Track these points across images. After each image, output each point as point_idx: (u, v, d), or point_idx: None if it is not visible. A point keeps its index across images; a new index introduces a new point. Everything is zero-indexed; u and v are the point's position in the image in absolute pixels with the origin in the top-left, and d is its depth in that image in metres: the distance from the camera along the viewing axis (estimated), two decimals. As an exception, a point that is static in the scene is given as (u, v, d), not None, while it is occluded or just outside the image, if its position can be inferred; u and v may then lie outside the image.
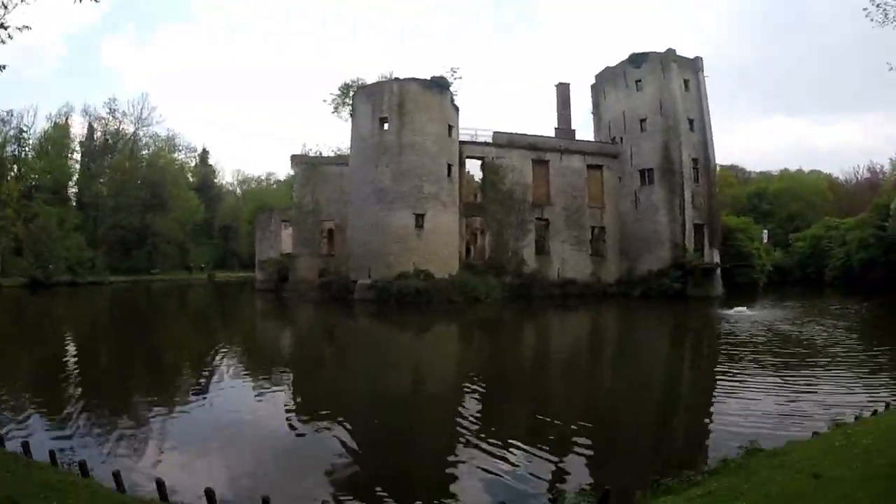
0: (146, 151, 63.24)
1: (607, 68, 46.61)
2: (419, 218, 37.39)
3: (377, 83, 40.30)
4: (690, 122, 42.48)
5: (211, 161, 75.12)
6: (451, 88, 40.22)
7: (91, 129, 60.19)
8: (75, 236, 50.43)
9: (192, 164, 72.48)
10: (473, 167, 44.50)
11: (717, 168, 45.21)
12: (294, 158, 49.47)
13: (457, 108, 40.59)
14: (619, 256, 43.94)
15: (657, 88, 42.59)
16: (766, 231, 64.05)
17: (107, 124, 59.89)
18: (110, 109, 58.75)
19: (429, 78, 38.74)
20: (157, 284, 54.09)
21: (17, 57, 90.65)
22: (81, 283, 48.71)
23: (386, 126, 37.87)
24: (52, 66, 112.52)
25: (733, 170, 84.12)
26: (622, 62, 44.88)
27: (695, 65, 43.54)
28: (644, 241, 42.39)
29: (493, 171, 42.62)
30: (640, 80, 43.63)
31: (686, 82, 42.93)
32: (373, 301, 35.28)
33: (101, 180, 58.26)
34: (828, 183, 67.19)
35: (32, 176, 53.26)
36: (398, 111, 37.54)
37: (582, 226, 43.88)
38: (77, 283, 48.22)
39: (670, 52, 43.10)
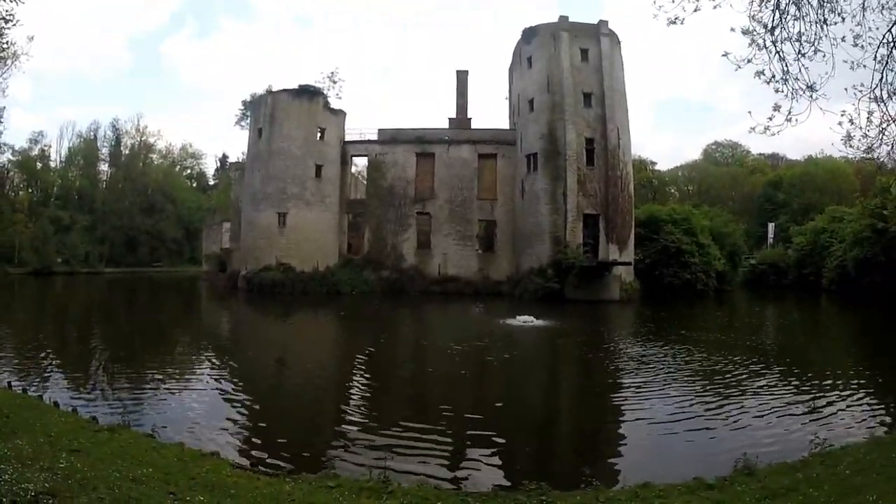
0: (154, 157, 71.15)
1: (515, 49, 42.03)
2: (282, 216, 38.63)
3: (259, 97, 41.98)
4: (587, 96, 36.16)
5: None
6: (336, 90, 41.99)
7: (118, 141, 69.04)
8: (74, 235, 58.08)
9: (198, 168, 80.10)
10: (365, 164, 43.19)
11: (627, 147, 37.76)
12: (231, 165, 52.53)
13: (335, 111, 40.84)
14: (511, 252, 38.84)
15: (546, 63, 37.15)
16: (771, 225, 52.94)
17: (119, 137, 68.61)
18: (114, 128, 67.08)
19: (297, 87, 39.74)
20: (148, 276, 59.15)
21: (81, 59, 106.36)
22: (79, 272, 55.62)
23: (261, 135, 39.50)
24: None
25: (773, 158, 70.59)
26: (519, 40, 40.20)
27: (597, 30, 37.35)
28: (528, 236, 36.68)
29: (376, 168, 40.96)
30: (531, 57, 38.58)
31: (585, 52, 36.88)
32: (246, 290, 37.49)
33: (107, 187, 66.36)
34: (854, 167, 51.96)
35: (55, 185, 63.45)
36: (270, 121, 39.26)
37: (468, 220, 39.43)
38: (73, 272, 55.29)
39: (563, 20, 37.45)
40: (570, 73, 36.05)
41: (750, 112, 6.93)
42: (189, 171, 79.46)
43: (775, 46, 6.53)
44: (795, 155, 68.88)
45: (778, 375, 13.30)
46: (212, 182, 78.23)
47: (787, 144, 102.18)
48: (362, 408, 10.80)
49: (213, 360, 15.25)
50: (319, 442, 8.59)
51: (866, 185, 47.13)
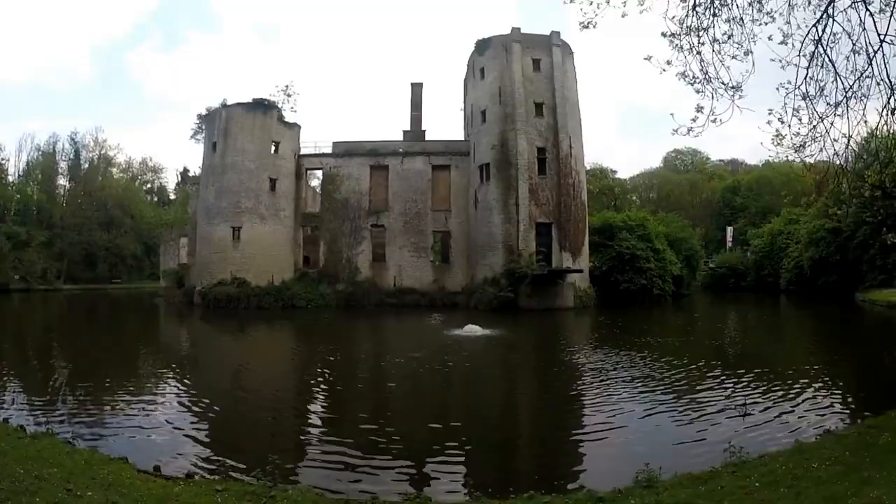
0: (114, 170, 69.49)
1: (468, 61, 41.99)
2: (236, 231, 38.00)
3: (213, 111, 41.26)
4: (538, 105, 36.14)
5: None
6: (291, 104, 41.29)
7: (77, 155, 67.28)
8: (31, 251, 56.33)
9: (158, 182, 78.72)
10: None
11: (580, 156, 37.84)
12: (189, 179, 51.53)
13: (289, 125, 40.39)
14: (467, 263, 38.54)
15: (498, 74, 37.11)
16: (730, 229, 53.67)
17: (78, 151, 66.92)
18: (73, 141, 65.38)
19: (251, 101, 39.19)
20: (107, 292, 57.38)
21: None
22: (35, 289, 53.92)
23: (216, 149, 38.78)
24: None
25: (732, 164, 71.72)
26: (472, 52, 40.18)
27: (549, 41, 37.47)
28: (482, 246, 36.36)
29: (330, 181, 40.54)
30: (483, 68, 38.54)
31: (537, 62, 36.94)
32: (201, 306, 36.77)
33: (65, 202, 64.70)
34: (805, 168, 52.79)
35: (13, 200, 61.59)
36: (224, 135, 38.60)
37: (422, 231, 39.11)
38: (30, 289, 53.54)
39: (515, 31, 37.47)
40: (522, 84, 36.08)
41: (672, 114, 6.89)
42: (149, 185, 78.08)
43: (697, 49, 6.48)
44: (754, 160, 70.38)
45: (725, 377, 13.11)
46: (172, 196, 76.55)
47: (747, 150, 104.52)
48: (306, 420, 10.90)
49: (161, 377, 15.01)
50: (253, 452, 8.53)
51: (822, 186, 47.86)
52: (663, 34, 6.49)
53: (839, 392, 11.60)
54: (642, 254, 37.37)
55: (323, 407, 11.95)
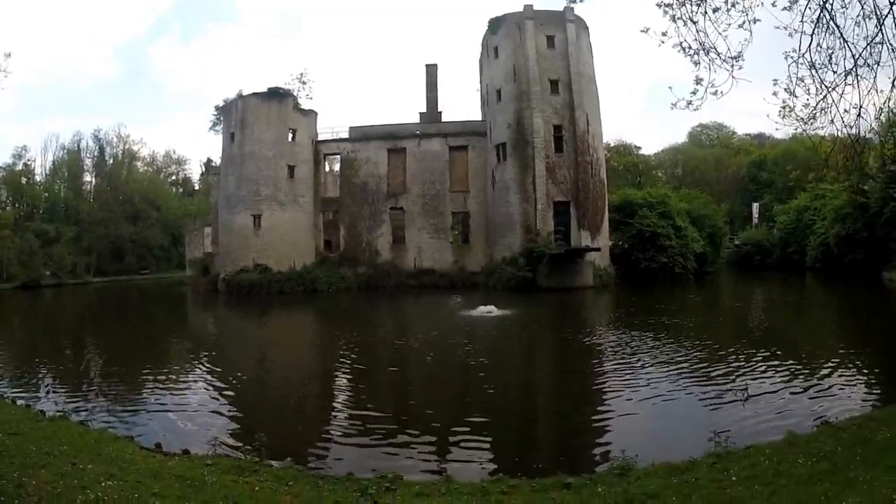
0: (139, 164, 71.57)
1: (482, 40, 41.79)
2: (256, 218, 38.88)
3: (230, 102, 41.94)
4: (553, 83, 35.89)
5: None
6: (307, 91, 42.60)
7: (102, 151, 69.45)
8: (60, 247, 58.48)
9: (182, 174, 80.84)
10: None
11: (598, 133, 37.43)
12: (211, 169, 52.66)
13: (305, 112, 40.98)
14: (486, 243, 38.72)
15: (511, 52, 36.92)
16: (755, 205, 52.58)
17: (102, 147, 69.14)
18: (97, 138, 67.51)
19: (266, 90, 39.75)
20: (135, 284, 59.18)
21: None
22: (66, 284, 55.95)
23: (234, 139, 39.64)
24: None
25: (759, 138, 69.85)
26: (486, 31, 39.96)
27: (562, 17, 37.05)
28: (500, 226, 36.52)
29: (349, 166, 41.05)
30: (497, 47, 38.35)
31: (551, 38, 36.60)
32: (226, 293, 37.60)
33: (92, 197, 66.83)
34: (833, 141, 50.99)
35: (41, 199, 63.95)
36: (241, 125, 39.40)
37: (441, 213, 39.34)
38: (61, 284, 55.65)
39: (527, 8, 37.14)
40: (536, 61, 35.84)
41: (671, 87, 6.76)
42: (174, 176, 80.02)
43: (692, 19, 6.18)
44: (781, 134, 68.37)
45: (737, 359, 12.70)
46: (197, 187, 78.49)
47: (773, 123, 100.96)
48: (329, 402, 11.28)
49: (185, 360, 15.86)
50: (275, 434, 8.90)
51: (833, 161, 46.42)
52: (658, 4, 6.31)
53: (855, 380, 10.86)
54: (663, 231, 36.94)
55: (342, 389, 12.33)
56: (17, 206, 61.42)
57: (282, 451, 7.66)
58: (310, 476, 6.59)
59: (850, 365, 11.95)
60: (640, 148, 67.66)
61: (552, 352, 15.89)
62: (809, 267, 42.11)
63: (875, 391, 10.17)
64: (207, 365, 14.60)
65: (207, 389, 11.78)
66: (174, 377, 13.34)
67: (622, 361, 13.10)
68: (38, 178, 65.48)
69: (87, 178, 68.03)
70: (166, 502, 4.86)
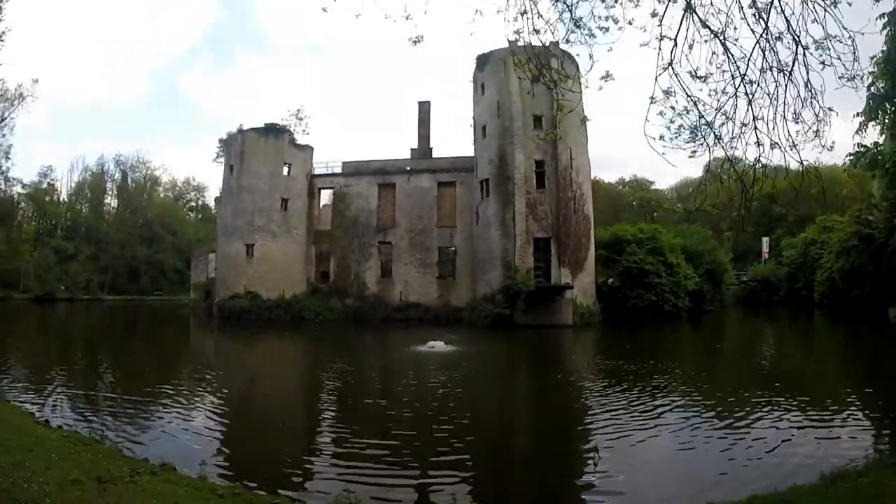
0: (160, 189, 75.54)
1: (472, 76, 42.50)
2: (249, 248, 40.65)
3: (231, 135, 44.42)
4: (537, 118, 36.30)
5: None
6: (303, 126, 45.89)
7: (125, 175, 73.89)
8: (77, 264, 62.13)
9: (201, 200, 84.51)
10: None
11: (583, 167, 37.18)
12: (216, 198, 55.32)
13: (301, 147, 42.87)
14: (470, 278, 38.81)
15: (496, 89, 37.51)
16: (765, 240, 50.81)
17: (125, 172, 73.37)
18: (119, 162, 72.16)
19: (264, 125, 42.19)
20: (146, 303, 62.14)
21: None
22: (79, 299, 59.24)
23: (233, 171, 41.71)
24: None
25: (776, 171, 67.42)
26: (475, 68, 40.69)
27: (546, 53, 37.32)
28: (482, 261, 36.60)
29: (341, 200, 42.32)
30: (483, 84, 39.02)
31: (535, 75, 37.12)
32: (219, 317, 39.88)
33: (113, 219, 71.04)
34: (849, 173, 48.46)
35: (64, 217, 68.36)
36: (240, 158, 41.41)
37: (428, 247, 39.86)
38: (73, 299, 58.89)
39: (512, 44, 37.62)
40: (520, 96, 36.19)
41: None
42: (192, 203, 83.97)
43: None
44: (795, 165, 65.54)
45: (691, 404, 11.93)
46: (214, 213, 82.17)
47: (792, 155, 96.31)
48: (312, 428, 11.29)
49: (170, 375, 16.77)
50: (253, 458, 8.93)
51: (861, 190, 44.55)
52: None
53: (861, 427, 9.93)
54: (651, 268, 36.28)
55: (323, 416, 12.34)
56: (39, 222, 65.69)
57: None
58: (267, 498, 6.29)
59: (852, 415, 10.91)
60: (653, 182, 67.15)
61: (464, 391, 14.74)
62: (817, 303, 40.41)
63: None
64: (190, 382, 15.47)
65: (187, 407, 12.04)
66: (151, 393, 13.40)
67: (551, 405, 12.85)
68: (62, 197, 70.01)
69: (109, 200, 72.23)
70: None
